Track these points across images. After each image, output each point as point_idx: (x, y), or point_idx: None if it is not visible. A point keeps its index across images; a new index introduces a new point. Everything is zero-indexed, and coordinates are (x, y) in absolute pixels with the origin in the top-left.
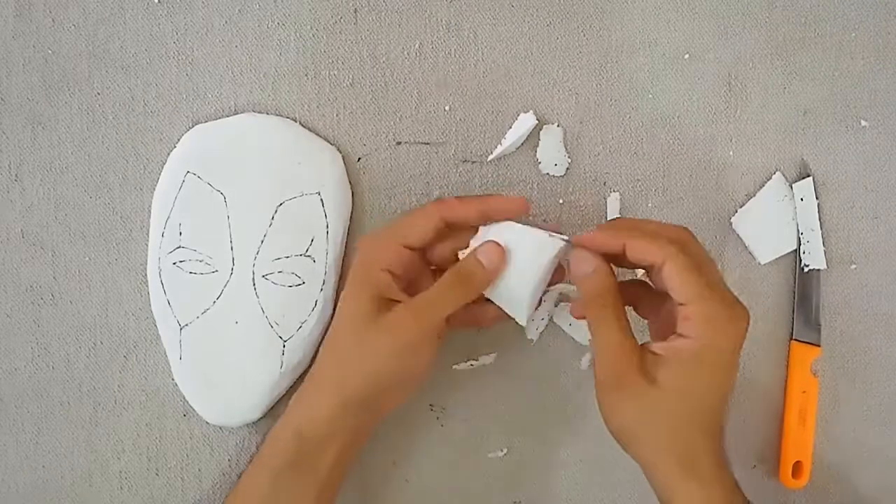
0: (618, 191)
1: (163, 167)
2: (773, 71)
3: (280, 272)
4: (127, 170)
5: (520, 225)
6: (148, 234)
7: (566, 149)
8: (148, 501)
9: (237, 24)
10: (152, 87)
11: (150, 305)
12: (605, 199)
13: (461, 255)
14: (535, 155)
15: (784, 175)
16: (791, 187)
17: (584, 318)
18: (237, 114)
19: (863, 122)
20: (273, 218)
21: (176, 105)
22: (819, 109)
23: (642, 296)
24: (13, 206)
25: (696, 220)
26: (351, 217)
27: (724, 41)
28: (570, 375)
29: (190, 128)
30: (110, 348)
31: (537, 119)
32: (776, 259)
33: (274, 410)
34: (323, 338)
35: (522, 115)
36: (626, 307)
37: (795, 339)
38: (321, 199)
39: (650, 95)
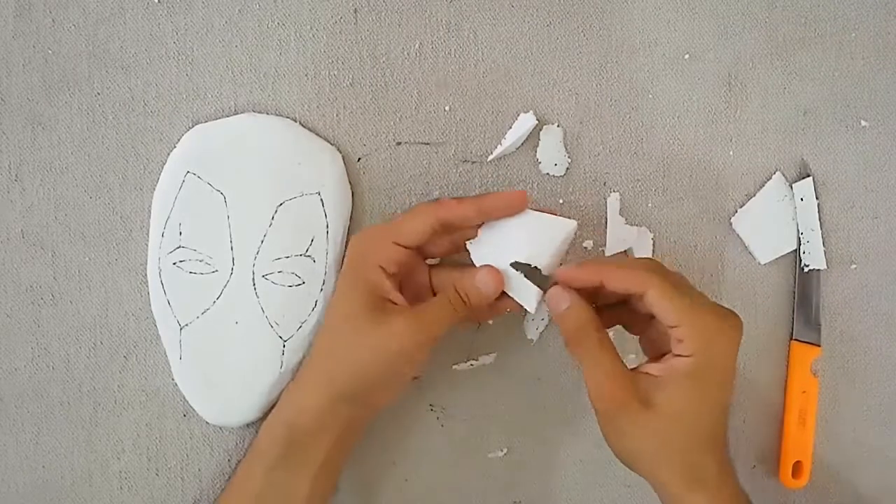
0: (618, 191)
1: (163, 167)
2: (773, 71)
3: (280, 272)
4: (127, 170)
5: (529, 209)
6: (148, 234)
7: (566, 149)
8: (148, 501)
9: (237, 24)
10: (152, 87)
11: (150, 305)
12: (605, 199)
13: (469, 245)
14: (535, 155)
15: (784, 175)
16: (791, 187)
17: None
18: (237, 114)
19: (863, 122)
20: (273, 218)
21: (176, 105)
22: (819, 109)
23: (629, 317)
24: (13, 206)
25: (696, 220)
26: (351, 217)
27: (724, 41)
28: (570, 375)
29: (190, 128)
30: (110, 348)
31: (537, 119)
32: (776, 259)
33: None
34: None
35: (522, 115)
36: (618, 325)
37: (795, 339)
38: (321, 199)
39: (650, 95)
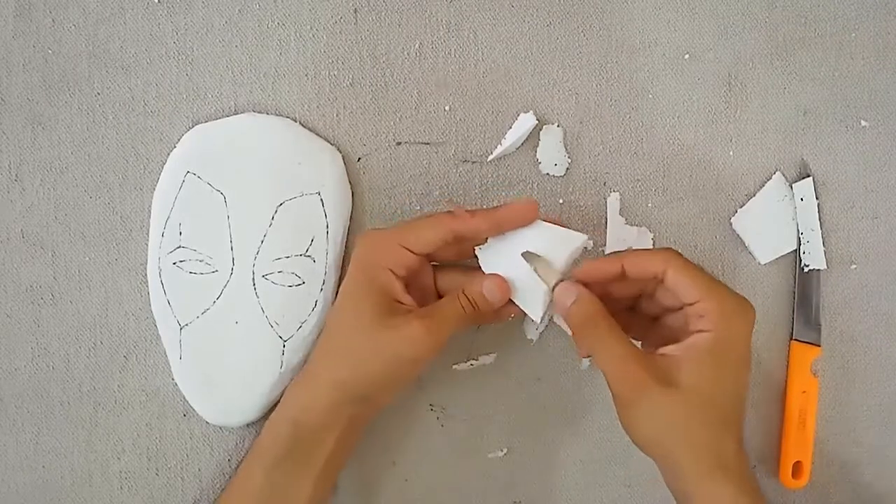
0: (618, 191)
1: (163, 167)
2: (773, 71)
3: (280, 272)
4: (127, 170)
5: (540, 220)
6: (148, 234)
7: (566, 149)
8: (148, 501)
9: (237, 24)
10: (152, 87)
11: (150, 305)
12: (605, 199)
13: (478, 251)
14: (535, 155)
15: (784, 175)
16: (791, 187)
17: (589, 355)
18: (237, 114)
19: (863, 122)
20: (273, 218)
21: (176, 105)
22: (819, 109)
23: (631, 322)
24: (13, 206)
25: (696, 220)
26: (351, 217)
27: (724, 41)
28: (570, 375)
29: (190, 128)
30: (110, 348)
31: (537, 119)
32: (776, 259)
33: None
34: None
35: (522, 115)
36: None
37: (795, 339)
38: (321, 199)
39: (650, 95)
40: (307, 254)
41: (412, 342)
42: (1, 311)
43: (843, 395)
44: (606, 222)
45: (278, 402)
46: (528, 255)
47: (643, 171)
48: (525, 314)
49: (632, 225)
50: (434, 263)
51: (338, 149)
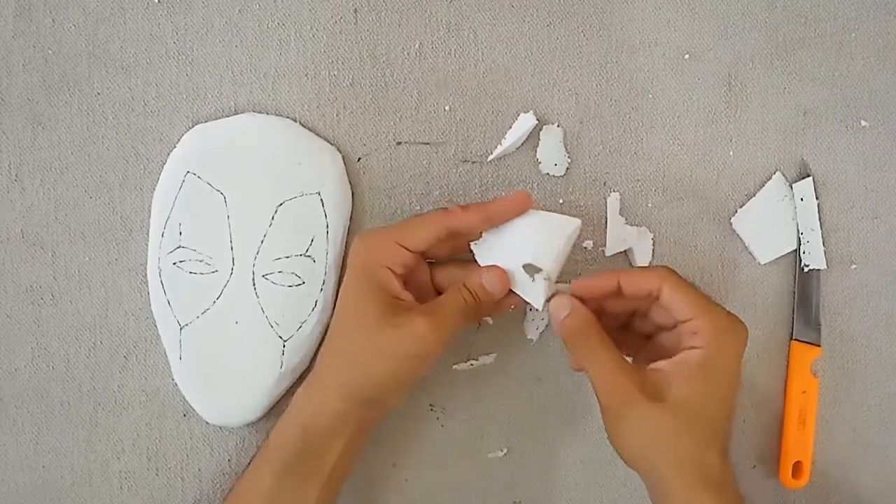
0: (618, 191)
1: (163, 167)
2: (773, 71)
3: (280, 272)
4: (127, 170)
5: (533, 209)
6: (148, 234)
7: (566, 149)
8: (148, 501)
9: (237, 24)
10: (152, 87)
11: (150, 305)
12: (605, 199)
13: (473, 246)
14: (535, 155)
15: (784, 175)
16: (791, 187)
17: (581, 369)
18: (237, 114)
19: (863, 122)
20: (273, 218)
21: (176, 105)
22: (819, 109)
23: (624, 340)
24: (13, 206)
25: (696, 220)
26: (351, 217)
27: (724, 41)
28: (570, 375)
29: (190, 128)
30: (110, 348)
31: (537, 119)
32: (776, 259)
33: (274, 410)
34: (324, 336)
35: (522, 115)
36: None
37: (795, 339)
38: (321, 199)
39: (650, 95)
40: (307, 254)
41: (417, 339)
42: (1, 311)
43: (843, 395)
44: (606, 222)
45: (278, 402)
46: (523, 245)
47: (643, 171)
48: (526, 304)
49: (632, 225)
50: (430, 261)
51: (338, 149)
